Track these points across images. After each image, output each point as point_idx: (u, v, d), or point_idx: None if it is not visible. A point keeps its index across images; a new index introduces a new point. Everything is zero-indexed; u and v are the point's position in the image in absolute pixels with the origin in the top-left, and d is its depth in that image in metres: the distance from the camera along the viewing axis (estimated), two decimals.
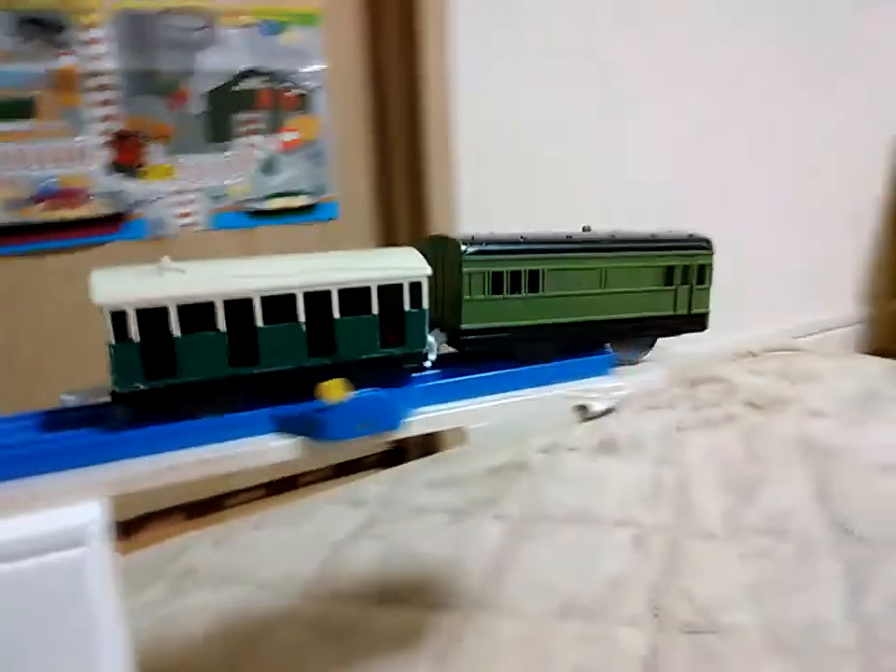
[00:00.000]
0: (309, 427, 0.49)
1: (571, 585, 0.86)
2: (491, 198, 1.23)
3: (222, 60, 1.01)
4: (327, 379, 0.51)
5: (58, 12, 0.90)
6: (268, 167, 1.07)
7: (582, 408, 0.60)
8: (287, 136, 1.07)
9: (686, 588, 0.85)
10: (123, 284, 0.47)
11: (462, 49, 1.17)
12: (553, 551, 0.94)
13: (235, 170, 1.05)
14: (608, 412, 0.68)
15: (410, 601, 0.84)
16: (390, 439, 0.53)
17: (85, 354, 0.97)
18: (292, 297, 0.50)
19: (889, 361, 1.60)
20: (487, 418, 0.58)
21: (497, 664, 0.74)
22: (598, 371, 0.62)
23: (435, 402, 0.55)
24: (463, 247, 0.56)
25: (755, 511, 1.01)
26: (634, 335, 0.65)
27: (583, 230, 0.65)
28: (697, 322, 0.68)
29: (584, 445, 1.23)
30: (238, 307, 0.48)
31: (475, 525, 1.00)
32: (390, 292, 0.53)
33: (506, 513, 1.03)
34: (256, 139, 1.05)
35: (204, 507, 1.07)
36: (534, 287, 0.59)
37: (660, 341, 0.68)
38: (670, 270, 0.65)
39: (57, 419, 0.49)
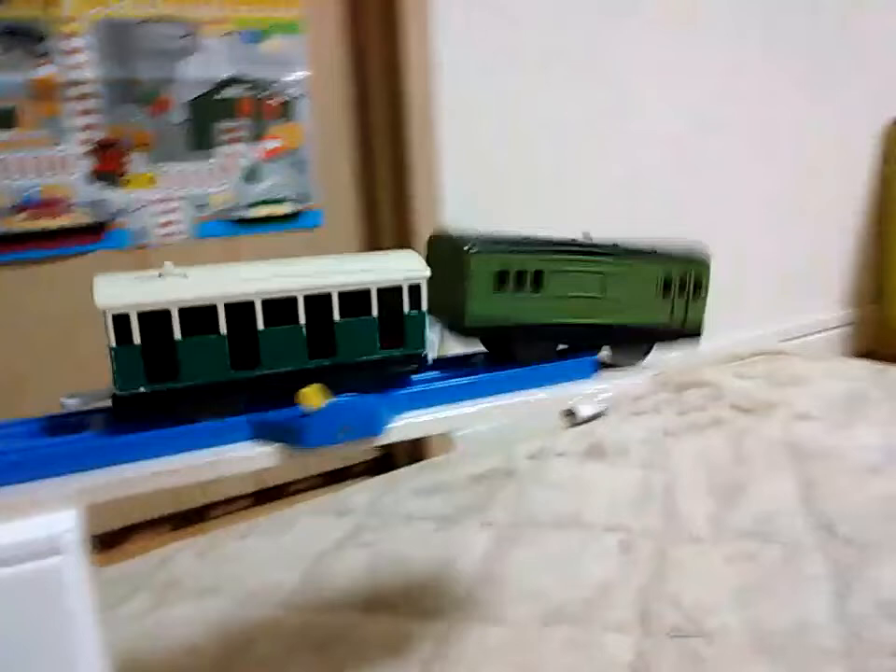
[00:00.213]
0: (288, 433, 0.49)
1: (558, 591, 0.86)
2: (478, 203, 1.23)
3: (204, 68, 1.01)
4: (328, 381, 0.51)
5: (38, 22, 0.90)
6: (251, 175, 1.07)
7: (570, 413, 0.60)
8: (270, 144, 1.07)
9: (673, 592, 0.85)
10: (125, 288, 0.47)
11: (446, 53, 1.17)
12: (540, 557, 0.93)
13: (218, 178, 1.04)
14: (595, 417, 0.68)
15: (396, 609, 0.83)
16: (371, 445, 0.52)
17: (69, 362, 0.97)
18: (293, 300, 0.50)
19: (874, 364, 1.61)
20: (471, 424, 0.58)
21: (484, 671, 0.73)
22: (583, 374, 0.62)
23: (417, 408, 0.55)
24: (469, 245, 0.57)
25: (741, 515, 1.02)
26: (630, 342, 0.66)
27: (583, 235, 0.65)
28: (692, 333, 0.69)
29: (572, 451, 1.23)
30: (239, 310, 0.49)
31: (462, 532, 1.00)
32: (390, 295, 0.54)
33: (493, 520, 1.03)
34: (238, 147, 1.05)
35: (190, 517, 1.07)
36: (537, 287, 0.60)
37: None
38: (668, 280, 0.66)
39: (41, 427, 0.49)
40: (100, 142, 0.96)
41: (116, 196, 0.98)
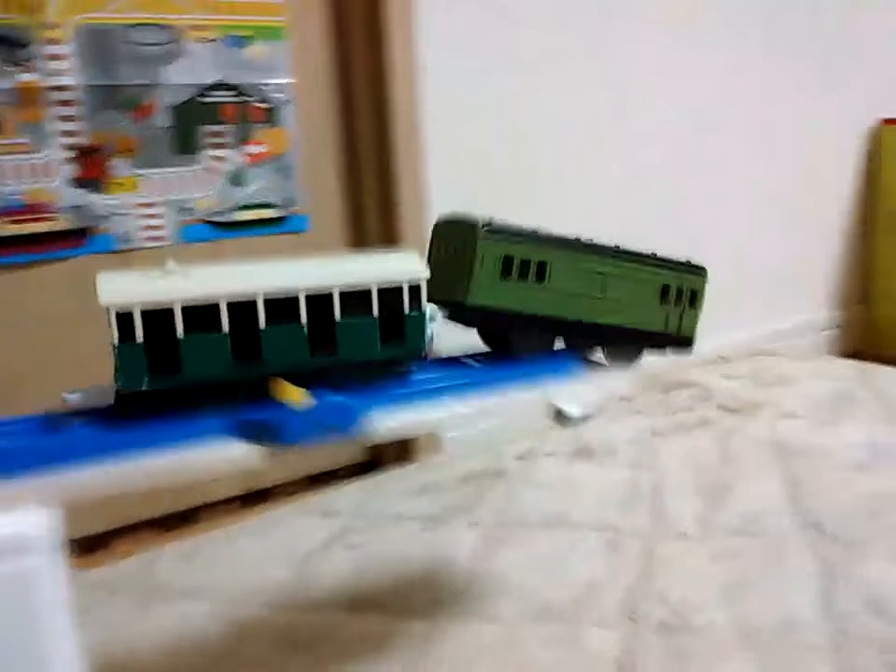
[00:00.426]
0: (268, 431, 0.49)
1: (546, 590, 0.86)
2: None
3: (187, 74, 1.01)
4: (328, 379, 0.52)
5: (21, 28, 0.90)
6: (236, 180, 1.07)
7: (559, 414, 0.61)
8: (255, 149, 1.08)
9: (660, 590, 0.85)
10: (128, 285, 0.47)
11: (445, 55, 1.18)
12: (528, 556, 0.93)
13: (202, 183, 1.05)
14: (584, 418, 0.69)
15: (383, 609, 0.83)
16: (351, 443, 0.52)
17: (55, 364, 0.97)
18: (295, 299, 0.51)
19: (860, 364, 1.61)
20: (454, 423, 0.58)
21: (471, 667, 0.73)
22: (569, 373, 0.63)
23: (399, 407, 0.55)
24: (479, 228, 0.58)
25: (728, 513, 1.02)
26: (624, 344, 0.67)
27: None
28: (684, 342, 0.70)
29: (560, 451, 1.23)
30: (242, 309, 0.49)
31: (450, 532, 1.00)
32: (390, 294, 0.54)
33: (481, 520, 1.03)
34: (223, 152, 1.05)
35: (178, 520, 1.06)
36: (540, 278, 0.61)
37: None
38: (666, 288, 0.67)
39: (24, 425, 0.49)
40: (83, 147, 0.96)
41: (99, 201, 0.98)
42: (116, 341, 0.46)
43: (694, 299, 0.69)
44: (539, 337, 0.63)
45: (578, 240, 0.63)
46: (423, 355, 0.57)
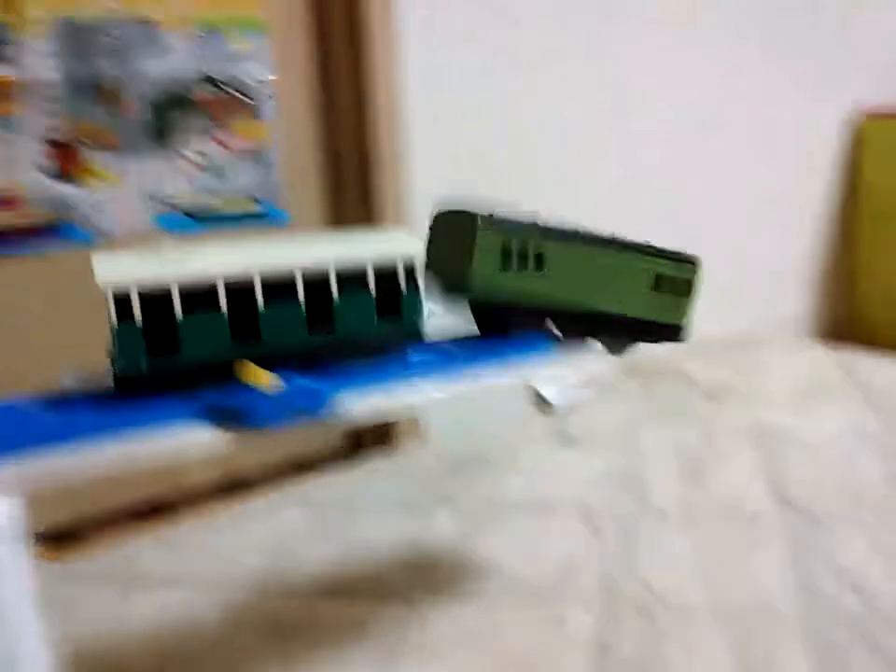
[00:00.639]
0: (236, 415, 0.49)
1: (526, 573, 0.86)
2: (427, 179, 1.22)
3: (166, 66, 1.01)
4: (327, 357, 0.53)
5: None
6: (214, 172, 1.07)
7: (542, 401, 0.61)
8: (234, 142, 1.08)
9: (639, 570, 0.86)
10: (125, 266, 0.47)
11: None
12: (508, 541, 0.93)
13: (180, 175, 1.05)
14: (568, 404, 0.69)
15: (363, 595, 0.83)
16: (321, 426, 0.52)
17: (30, 357, 0.96)
18: (293, 279, 0.51)
19: (841, 353, 1.63)
20: (427, 404, 0.58)
21: (450, 652, 0.74)
22: (546, 355, 0.63)
23: (370, 389, 0.55)
24: (479, 216, 0.59)
25: (708, 495, 1.03)
26: (616, 332, 0.67)
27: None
28: (677, 332, 0.71)
29: (543, 437, 1.24)
30: (239, 288, 0.50)
31: (430, 517, 1.00)
32: (387, 272, 0.55)
33: (462, 505, 1.03)
34: (201, 145, 1.05)
35: (157, 509, 1.06)
36: (538, 266, 0.62)
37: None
38: (660, 277, 0.68)
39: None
40: (59, 140, 0.96)
41: (76, 193, 0.98)
42: (114, 322, 0.46)
43: (688, 289, 0.70)
44: (536, 325, 0.64)
45: (575, 230, 0.65)
46: (420, 333, 0.58)
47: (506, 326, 0.63)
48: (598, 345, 0.67)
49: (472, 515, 1.00)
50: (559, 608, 0.80)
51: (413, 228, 1.18)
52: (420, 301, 0.57)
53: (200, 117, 1.04)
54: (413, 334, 0.58)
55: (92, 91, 0.97)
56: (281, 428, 0.50)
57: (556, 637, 0.75)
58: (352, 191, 1.19)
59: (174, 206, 1.04)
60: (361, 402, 0.54)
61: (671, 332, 0.71)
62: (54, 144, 0.96)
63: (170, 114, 1.02)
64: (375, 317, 0.55)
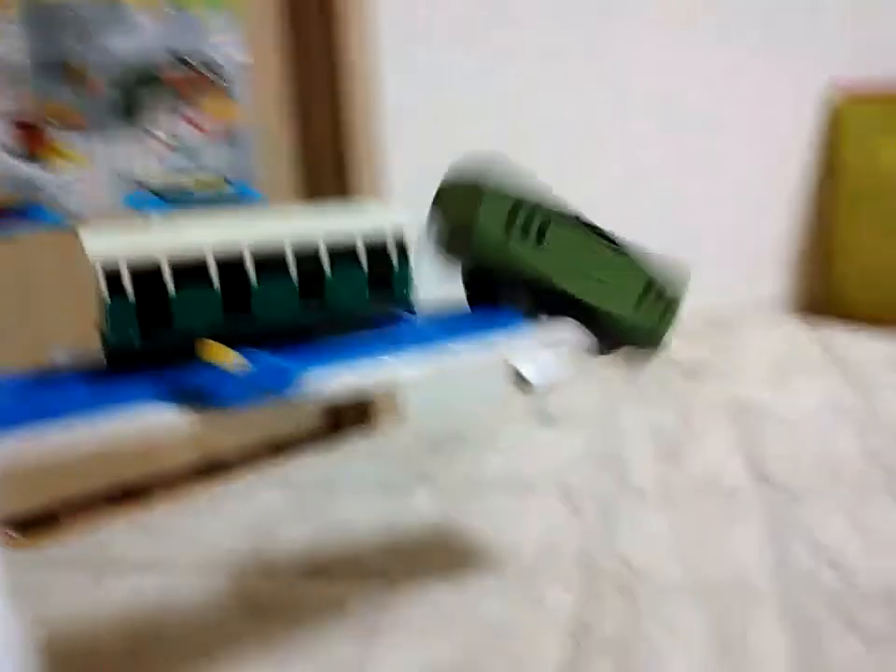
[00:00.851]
0: (200, 395, 0.48)
1: (505, 552, 0.86)
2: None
3: (134, 45, 0.99)
4: (318, 331, 0.53)
5: None
6: (185, 152, 1.05)
7: (522, 380, 0.61)
8: (206, 121, 1.06)
9: (618, 547, 0.86)
10: (115, 240, 0.47)
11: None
12: (487, 520, 0.94)
13: (149, 155, 1.03)
14: (547, 383, 0.69)
15: (341, 575, 0.83)
16: (288, 404, 0.52)
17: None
18: (284, 253, 0.51)
19: (818, 330, 1.64)
20: (397, 379, 0.57)
21: (428, 630, 0.74)
22: (525, 332, 0.62)
23: (337, 365, 0.54)
24: (487, 181, 0.61)
25: (686, 472, 1.03)
26: (600, 330, 0.67)
27: None
28: (654, 342, 0.71)
29: (522, 416, 1.24)
30: (230, 262, 0.49)
31: (409, 497, 1.00)
32: (377, 245, 0.55)
33: (441, 485, 1.03)
34: (171, 124, 1.04)
35: (132, 493, 1.06)
36: (540, 239, 0.62)
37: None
38: (650, 284, 0.68)
39: None
40: (24, 120, 0.94)
41: (43, 175, 0.96)
42: (105, 297, 0.46)
43: (674, 304, 0.70)
44: (524, 301, 0.64)
45: (581, 216, 0.65)
46: (411, 305, 0.58)
47: (496, 298, 0.63)
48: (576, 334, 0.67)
49: (451, 494, 1.00)
50: (538, 586, 0.80)
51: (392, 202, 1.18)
52: (411, 274, 0.57)
53: (169, 96, 1.02)
54: (404, 307, 0.58)
55: (59, 70, 0.95)
56: (246, 408, 0.49)
57: (536, 616, 0.75)
58: (327, 174, 1.18)
59: (143, 186, 1.02)
60: (331, 380, 0.53)
61: (649, 340, 0.71)
62: (20, 125, 0.94)
63: (138, 93, 1.00)
64: (367, 291, 0.55)
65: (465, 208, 0.61)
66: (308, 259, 0.52)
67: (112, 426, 0.46)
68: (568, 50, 1.36)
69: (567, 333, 0.65)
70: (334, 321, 0.55)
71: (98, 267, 0.45)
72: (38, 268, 0.97)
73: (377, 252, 0.55)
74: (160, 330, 0.48)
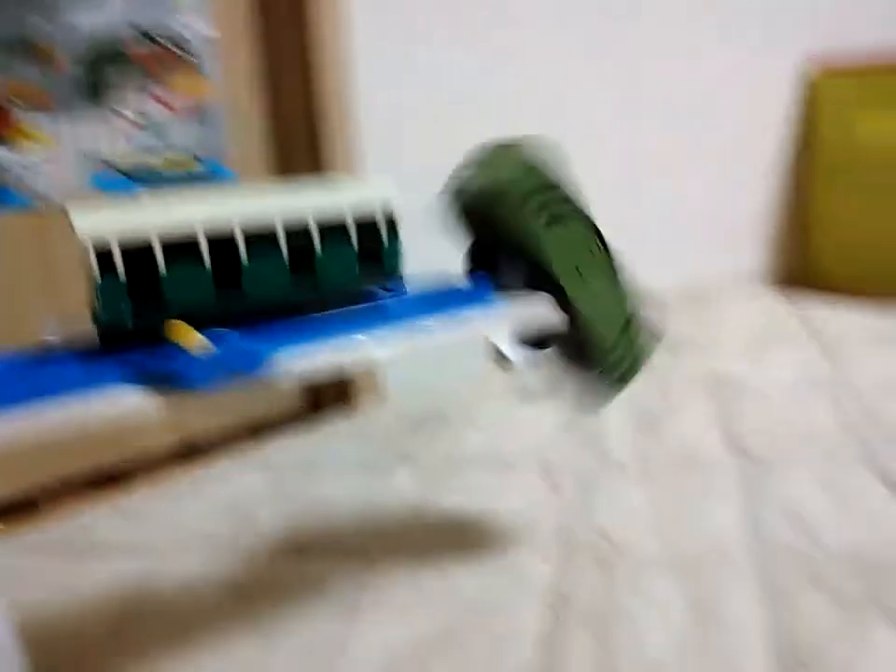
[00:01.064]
0: (167, 377, 0.47)
1: (485, 528, 0.87)
2: (400, 156, 1.21)
3: (100, 20, 0.97)
4: (310, 308, 0.53)
5: None
6: (153, 130, 1.03)
7: (502, 357, 0.61)
8: (175, 99, 1.04)
9: (596, 521, 0.87)
10: (104, 219, 0.46)
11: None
12: (468, 497, 0.94)
13: (117, 134, 1.01)
14: (526, 361, 0.69)
15: (322, 555, 0.83)
16: (257, 384, 0.51)
17: None
18: (273, 229, 0.51)
19: (792, 300, 1.65)
20: (369, 356, 0.57)
21: (409, 608, 0.74)
22: (486, 301, 0.63)
23: (308, 343, 0.53)
24: (525, 148, 0.65)
25: (664, 446, 1.04)
26: (576, 340, 0.67)
27: None
28: (620, 378, 0.70)
29: (502, 393, 1.24)
30: (221, 239, 0.49)
31: (390, 476, 1.00)
32: (367, 221, 0.55)
33: (421, 463, 1.03)
34: (139, 102, 1.02)
35: (114, 478, 1.05)
36: (549, 224, 0.63)
37: None
38: (630, 320, 0.68)
39: None
40: None
41: (8, 156, 0.94)
42: (97, 276, 0.45)
43: (642, 354, 0.70)
44: (523, 272, 0.64)
45: (594, 220, 0.67)
46: (401, 280, 0.58)
47: (494, 272, 0.64)
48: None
49: (432, 472, 1.00)
50: (518, 560, 0.80)
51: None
52: (400, 249, 0.57)
53: (136, 73, 1.01)
54: (393, 281, 0.58)
55: (22, 48, 0.93)
56: (214, 390, 0.48)
57: (515, 590, 0.76)
58: (299, 149, 1.16)
59: (111, 166, 1.00)
60: (301, 361, 0.52)
61: (619, 375, 0.69)
62: None
63: (104, 70, 0.98)
64: (357, 267, 0.55)
65: (500, 168, 0.64)
66: (298, 235, 0.52)
67: (78, 409, 0.46)
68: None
69: (543, 308, 0.65)
70: (324, 297, 0.55)
71: (89, 245, 0.45)
72: (6, 250, 0.95)
73: (366, 227, 0.55)
74: (151, 309, 0.48)
